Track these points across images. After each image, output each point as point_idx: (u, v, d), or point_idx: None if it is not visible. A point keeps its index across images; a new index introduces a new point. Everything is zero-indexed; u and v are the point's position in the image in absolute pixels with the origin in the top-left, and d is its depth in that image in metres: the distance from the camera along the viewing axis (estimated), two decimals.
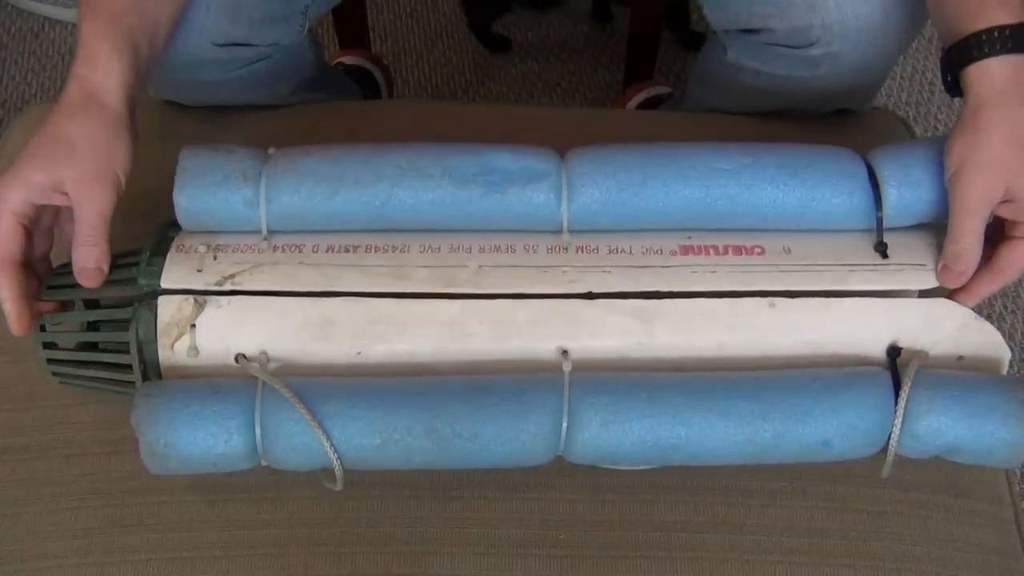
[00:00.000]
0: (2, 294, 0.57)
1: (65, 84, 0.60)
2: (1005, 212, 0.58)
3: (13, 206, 0.57)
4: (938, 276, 0.60)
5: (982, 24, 0.57)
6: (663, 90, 1.23)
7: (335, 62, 1.24)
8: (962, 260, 0.58)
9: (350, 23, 1.24)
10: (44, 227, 0.60)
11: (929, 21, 0.67)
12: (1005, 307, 1.22)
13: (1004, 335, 1.23)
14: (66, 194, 0.58)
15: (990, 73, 0.57)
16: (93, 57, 0.59)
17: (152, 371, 0.59)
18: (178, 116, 0.78)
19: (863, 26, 0.68)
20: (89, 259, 0.58)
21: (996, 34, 0.57)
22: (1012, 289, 1.23)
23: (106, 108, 0.58)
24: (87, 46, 0.60)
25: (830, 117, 0.79)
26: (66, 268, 0.62)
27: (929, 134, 1.34)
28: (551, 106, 1.33)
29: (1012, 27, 0.57)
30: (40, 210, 0.59)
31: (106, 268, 0.58)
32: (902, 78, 1.38)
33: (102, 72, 0.59)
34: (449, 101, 1.33)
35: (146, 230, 0.62)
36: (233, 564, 0.60)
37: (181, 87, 0.76)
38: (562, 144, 0.65)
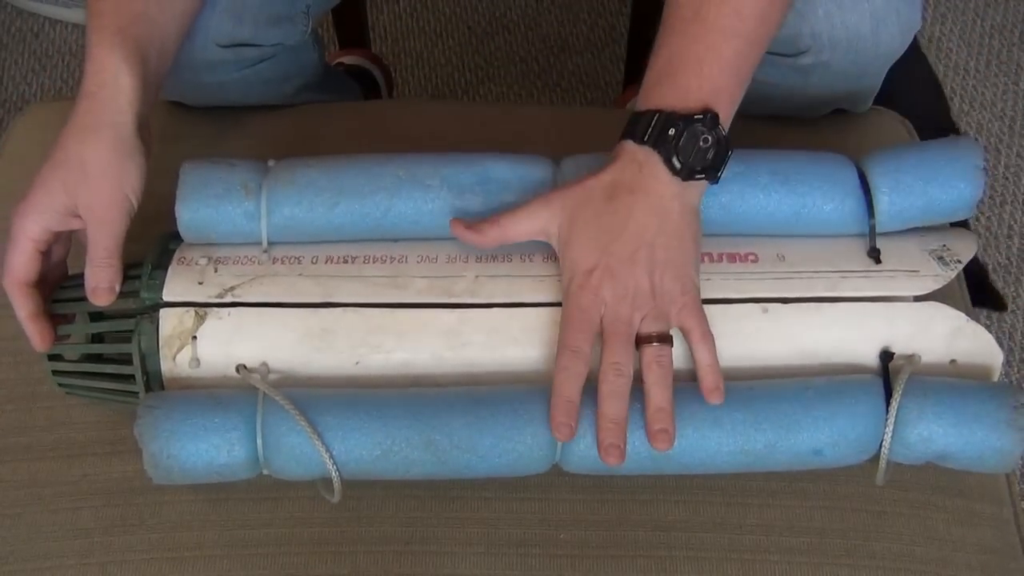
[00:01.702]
0: (20, 314, 0.59)
1: (76, 100, 0.60)
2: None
3: (31, 234, 0.58)
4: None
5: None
6: None
7: (335, 62, 1.24)
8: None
9: (350, 23, 1.24)
10: (62, 239, 0.61)
11: (920, 26, 0.67)
12: None
13: (1003, 335, 1.24)
14: (80, 217, 0.59)
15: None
16: (101, 71, 0.59)
17: (155, 382, 0.60)
18: (182, 117, 0.78)
19: (852, 35, 0.68)
20: (103, 280, 0.59)
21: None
22: (1012, 289, 1.23)
23: (116, 128, 0.59)
24: (95, 59, 0.59)
25: (827, 119, 0.79)
26: (71, 282, 0.62)
27: None
28: (551, 106, 1.33)
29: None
30: (57, 235, 0.60)
31: (118, 287, 0.60)
32: None
33: (111, 89, 0.59)
34: (449, 101, 1.33)
35: (150, 232, 0.63)
36: (234, 564, 0.60)
37: (186, 88, 0.76)
38: (562, 145, 0.65)
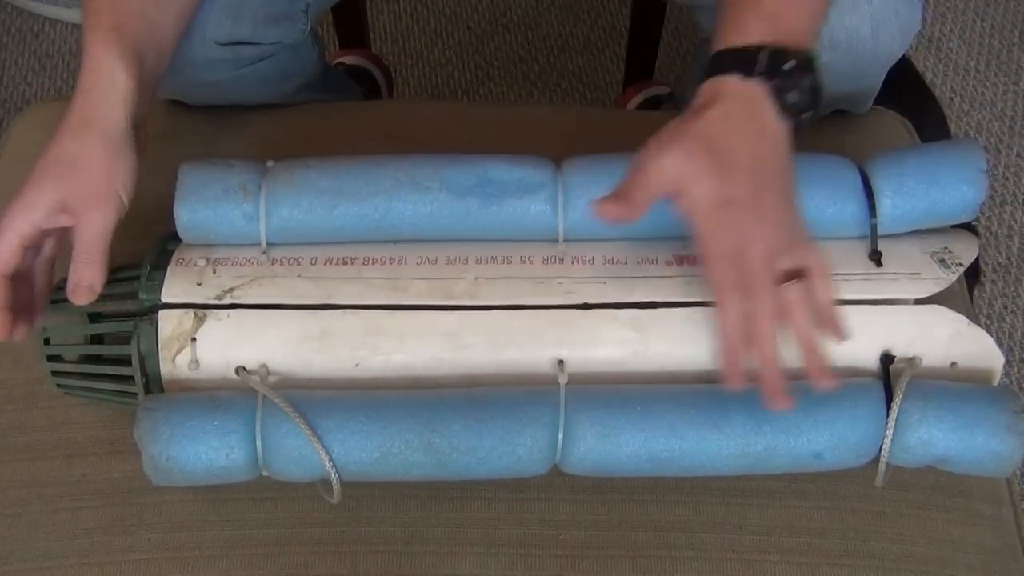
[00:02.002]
0: None
1: (72, 98, 0.60)
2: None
3: (20, 230, 0.58)
4: None
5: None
6: (663, 90, 1.23)
7: (335, 62, 1.24)
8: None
9: (350, 23, 1.24)
10: (53, 235, 0.60)
11: (921, 27, 0.67)
12: (1005, 307, 1.22)
13: (1003, 335, 1.24)
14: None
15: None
16: (96, 68, 0.59)
17: (154, 384, 0.60)
18: (181, 116, 0.78)
19: (852, 37, 0.68)
20: (83, 278, 0.58)
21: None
22: (1012, 289, 1.23)
23: (108, 125, 0.58)
24: (91, 56, 0.60)
25: (830, 119, 0.79)
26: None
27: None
28: (551, 106, 1.33)
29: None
30: (46, 232, 0.59)
31: (99, 288, 0.58)
32: None
33: (105, 86, 0.59)
34: (449, 101, 1.33)
35: (147, 232, 0.63)
36: (234, 564, 0.60)
37: (185, 86, 0.76)
38: (562, 145, 0.65)
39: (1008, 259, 1.25)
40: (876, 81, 0.76)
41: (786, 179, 0.57)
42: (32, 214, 0.57)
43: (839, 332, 0.56)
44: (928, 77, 1.37)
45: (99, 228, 0.58)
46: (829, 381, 0.55)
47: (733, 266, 0.55)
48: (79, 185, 0.58)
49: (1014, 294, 1.23)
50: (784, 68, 0.56)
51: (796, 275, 0.55)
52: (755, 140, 0.56)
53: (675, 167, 0.56)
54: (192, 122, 0.78)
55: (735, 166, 0.56)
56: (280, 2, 0.75)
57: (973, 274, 0.92)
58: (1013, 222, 1.28)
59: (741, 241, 0.55)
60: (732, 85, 0.57)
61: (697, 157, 0.56)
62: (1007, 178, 1.32)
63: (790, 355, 0.60)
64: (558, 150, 0.65)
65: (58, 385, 0.62)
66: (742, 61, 0.57)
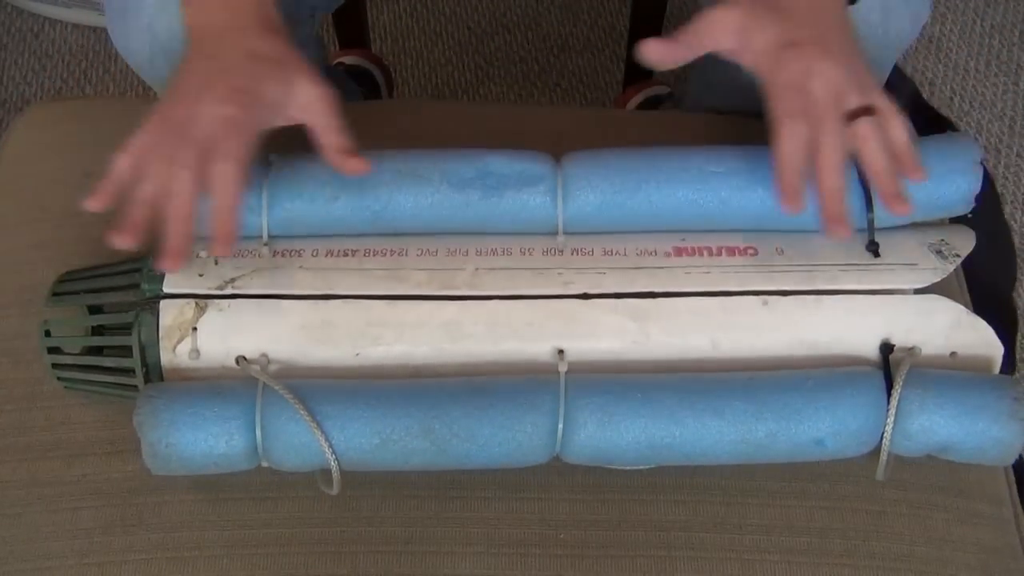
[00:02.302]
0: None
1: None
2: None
3: None
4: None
5: None
6: (663, 90, 1.23)
7: (335, 62, 1.24)
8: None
9: (350, 23, 1.24)
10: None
11: (930, 19, 0.67)
12: None
13: None
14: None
15: None
16: None
17: (155, 374, 0.60)
18: None
19: (862, 24, 0.68)
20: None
21: None
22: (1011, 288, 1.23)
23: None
24: None
25: None
26: (70, 275, 0.62)
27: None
28: (551, 106, 1.33)
29: None
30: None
31: None
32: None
33: None
34: (449, 101, 1.33)
35: (148, 231, 0.62)
36: (234, 564, 0.60)
37: None
38: (562, 144, 0.65)
39: None
40: (884, 71, 0.76)
41: (848, 28, 0.59)
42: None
43: (915, 169, 0.57)
44: (928, 76, 1.38)
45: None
46: (906, 207, 0.56)
47: (799, 96, 0.56)
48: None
49: (1014, 294, 1.23)
50: None
51: (865, 113, 0.56)
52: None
53: (736, 19, 0.58)
54: None
55: (796, 13, 0.57)
56: (287, 5, 0.74)
57: (1013, 322, 0.92)
58: (1013, 222, 1.29)
59: (808, 74, 0.56)
60: None
61: (758, 10, 0.57)
62: (1007, 178, 1.32)
63: (781, 346, 0.60)
64: (558, 149, 0.65)
65: (58, 378, 0.62)
66: None
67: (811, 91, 0.56)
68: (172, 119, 0.57)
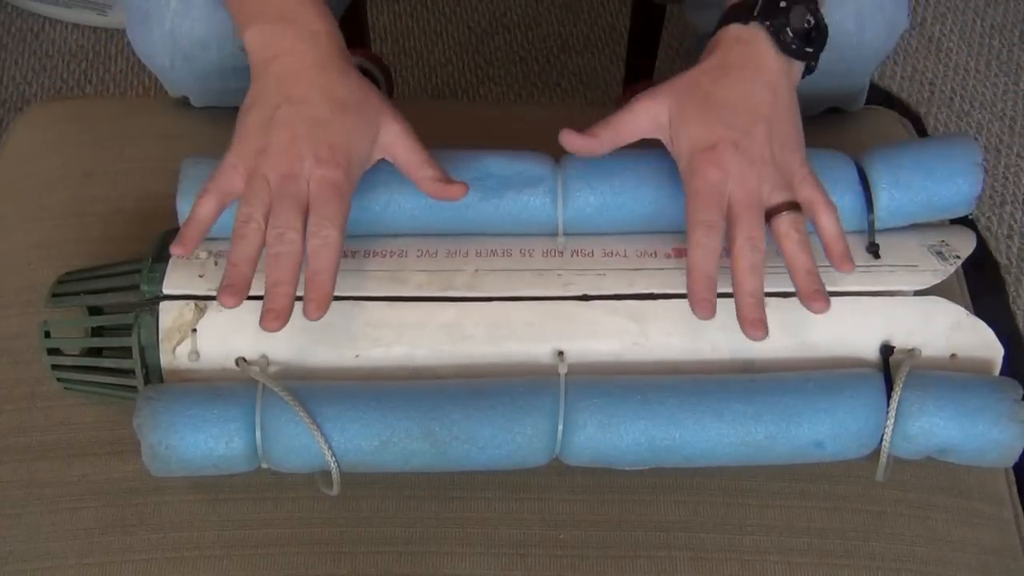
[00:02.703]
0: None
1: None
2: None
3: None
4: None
5: None
6: None
7: None
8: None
9: (350, 23, 1.24)
10: None
11: (908, 25, 0.67)
12: None
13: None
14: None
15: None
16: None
17: (154, 375, 0.60)
18: (182, 117, 0.78)
19: (837, 32, 0.68)
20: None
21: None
22: (1012, 289, 1.23)
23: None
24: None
25: (822, 117, 0.79)
26: (70, 276, 0.62)
27: (929, 134, 1.34)
28: (551, 106, 1.33)
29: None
30: None
31: None
32: (902, 78, 1.38)
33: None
34: (449, 101, 1.33)
35: (150, 231, 0.63)
36: (234, 564, 0.60)
37: (210, 94, 0.76)
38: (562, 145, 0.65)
39: (1008, 259, 1.26)
40: (864, 78, 0.76)
41: (783, 118, 0.58)
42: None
43: (843, 262, 0.57)
44: (928, 76, 1.38)
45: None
46: (822, 303, 0.55)
47: (710, 203, 0.56)
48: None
49: (1014, 294, 1.23)
50: (781, 5, 0.57)
51: (787, 208, 0.56)
52: (748, 83, 0.58)
53: (659, 115, 0.58)
54: (193, 122, 0.78)
55: (722, 110, 0.57)
56: None
57: (978, 267, 0.91)
58: (1013, 222, 1.29)
59: (722, 179, 0.56)
60: (730, 33, 0.59)
61: (686, 106, 0.57)
62: (1007, 178, 1.32)
63: (781, 347, 0.60)
64: (558, 150, 0.65)
65: (58, 379, 0.62)
66: (740, 10, 0.58)
67: (727, 194, 0.56)
68: (268, 172, 0.56)
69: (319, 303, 0.54)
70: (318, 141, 0.56)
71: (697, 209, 0.56)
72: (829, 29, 0.68)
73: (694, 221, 0.56)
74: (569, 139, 0.59)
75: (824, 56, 0.69)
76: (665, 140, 0.59)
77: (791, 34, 0.58)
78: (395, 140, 0.59)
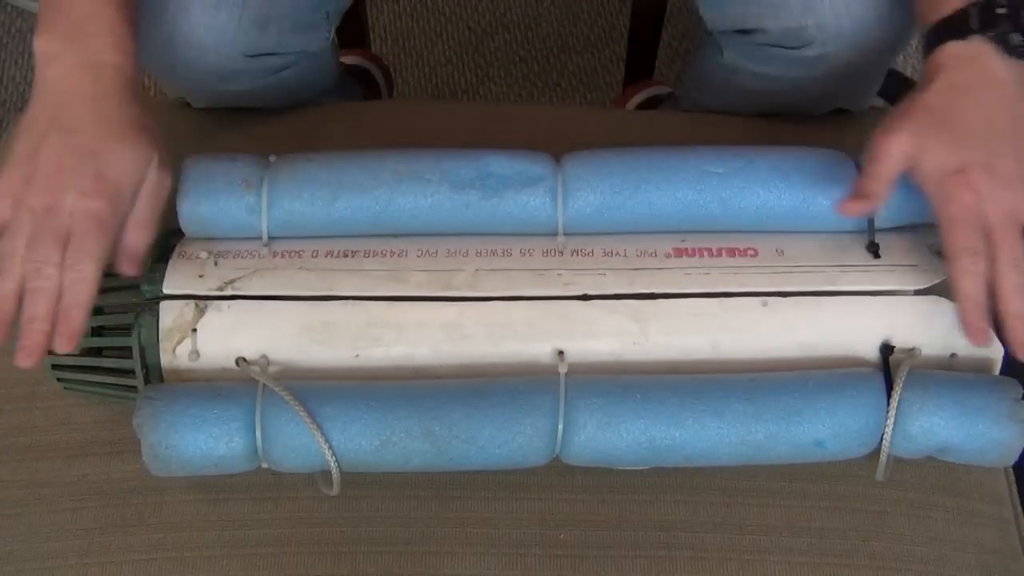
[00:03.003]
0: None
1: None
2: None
3: None
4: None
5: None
6: (663, 90, 1.23)
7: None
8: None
9: (350, 23, 1.24)
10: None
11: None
12: None
13: None
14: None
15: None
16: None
17: (154, 375, 0.60)
18: (183, 116, 0.79)
19: (857, 27, 0.68)
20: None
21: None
22: None
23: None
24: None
25: (828, 118, 0.79)
26: None
27: None
28: (551, 106, 1.33)
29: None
30: None
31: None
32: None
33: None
34: (449, 101, 1.33)
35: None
36: (234, 563, 0.60)
37: (209, 97, 0.77)
38: (562, 144, 0.65)
39: None
40: (880, 73, 0.76)
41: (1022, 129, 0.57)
42: None
43: None
44: None
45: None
46: None
47: (969, 229, 0.55)
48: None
49: None
50: (998, 13, 0.56)
51: None
52: (984, 100, 0.56)
53: (903, 147, 0.57)
54: (193, 123, 0.78)
55: (965, 132, 0.56)
56: (305, 10, 0.75)
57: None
58: None
59: (977, 202, 0.55)
60: (951, 51, 0.57)
61: (925, 131, 0.56)
62: None
63: (781, 347, 0.60)
64: (558, 150, 0.65)
65: (58, 379, 0.62)
66: (954, 26, 0.57)
67: (983, 218, 0.55)
68: (32, 203, 0.54)
69: (69, 338, 0.53)
70: (84, 173, 0.54)
71: (957, 236, 0.55)
72: (851, 22, 0.67)
73: (958, 249, 0.55)
74: (848, 208, 0.59)
75: (844, 50, 0.69)
76: (909, 170, 0.58)
77: (1017, 38, 0.56)
78: (152, 190, 0.57)
